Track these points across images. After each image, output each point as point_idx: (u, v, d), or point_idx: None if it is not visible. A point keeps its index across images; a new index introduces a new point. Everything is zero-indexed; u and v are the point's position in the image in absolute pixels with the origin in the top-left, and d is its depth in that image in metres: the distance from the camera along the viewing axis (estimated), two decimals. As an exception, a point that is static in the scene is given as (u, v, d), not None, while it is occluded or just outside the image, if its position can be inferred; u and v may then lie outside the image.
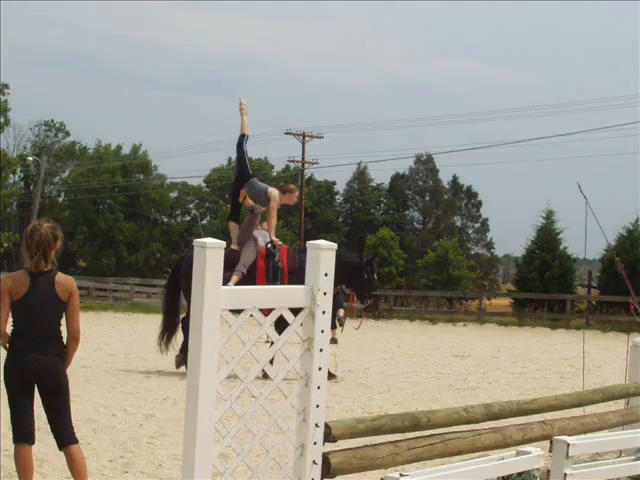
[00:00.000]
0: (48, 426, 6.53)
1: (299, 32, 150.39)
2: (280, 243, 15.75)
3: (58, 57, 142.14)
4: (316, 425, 4.61)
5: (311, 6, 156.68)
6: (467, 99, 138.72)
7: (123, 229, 72.87)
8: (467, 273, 57.80)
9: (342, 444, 5.00)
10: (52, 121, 79.92)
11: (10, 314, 6.34)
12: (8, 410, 6.42)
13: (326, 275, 4.64)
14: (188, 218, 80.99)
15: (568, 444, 6.08)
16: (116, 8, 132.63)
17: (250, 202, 15.54)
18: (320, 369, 4.63)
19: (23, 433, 6.38)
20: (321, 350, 4.63)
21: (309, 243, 4.71)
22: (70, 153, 79.26)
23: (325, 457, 4.70)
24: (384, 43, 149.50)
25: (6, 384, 6.37)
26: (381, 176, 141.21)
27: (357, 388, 14.07)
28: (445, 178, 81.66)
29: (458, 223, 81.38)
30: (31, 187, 72.56)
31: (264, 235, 15.65)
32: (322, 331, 4.64)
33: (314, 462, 4.62)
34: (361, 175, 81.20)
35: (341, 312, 23.29)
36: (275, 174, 76.98)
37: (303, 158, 62.88)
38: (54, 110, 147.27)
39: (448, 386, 14.54)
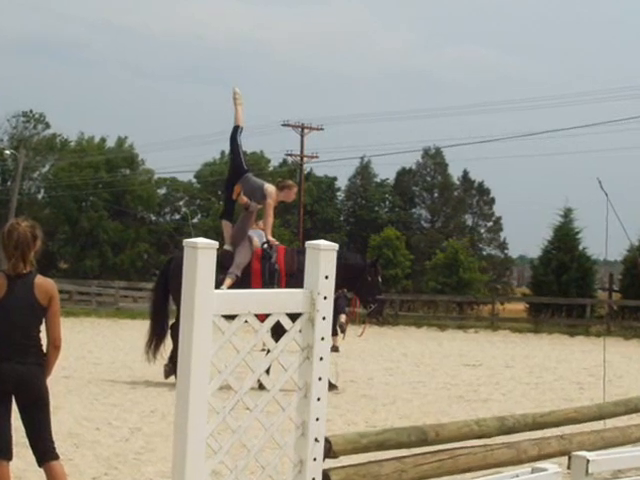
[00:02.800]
0: (27, 440, 6.53)
1: (299, 18, 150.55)
2: (277, 243, 15.76)
3: (38, 43, 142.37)
4: (316, 440, 4.61)
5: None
6: (478, 89, 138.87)
7: (107, 228, 72.92)
8: (479, 276, 57.84)
9: (344, 460, 5.00)
10: (31, 112, 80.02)
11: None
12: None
13: (326, 278, 4.63)
14: (178, 216, 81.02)
15: (588, 460, 6.07)
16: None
17: (245, 199, 15.54)
18: (320, 379, 4.62)
19: None
20: (321, 359, 4.62)
21: (308, 243, 4.72)
22: (50, 146, 79.31)
23: (325, 474, 4.70)
24: (389, 30, 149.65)
25: (-19, 395, 6.36)
26: (386, 171, 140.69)
27: (360, 400, 14.08)
28: (455, 173, 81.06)
29: (469, 222, 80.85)
30: (8, 183, 72.61)
31: (260, 235, 15.66)
32: (322, 338, 4.63)
33: (313, 480, 4.63)
34: (364, 170, 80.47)
35: (343, 318, 23.30)
36: (272, 169, 76.58)
37: (302, 152, 62.86)
38: (33, 100, 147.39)
39: (458, 398, 14.55)
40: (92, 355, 20.66)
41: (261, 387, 4.55)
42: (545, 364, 21.04)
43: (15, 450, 6.60)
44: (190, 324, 4.18)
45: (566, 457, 6.22)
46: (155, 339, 15.88)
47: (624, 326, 32.46)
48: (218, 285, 11.84)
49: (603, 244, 9.55)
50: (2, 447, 6.38)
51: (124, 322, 33.65)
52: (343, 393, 14.75)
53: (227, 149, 17.72)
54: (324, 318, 4.62)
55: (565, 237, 39.88)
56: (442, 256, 56.43)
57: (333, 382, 14.94)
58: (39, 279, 6.38)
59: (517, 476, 5.78)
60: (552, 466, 5.94)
